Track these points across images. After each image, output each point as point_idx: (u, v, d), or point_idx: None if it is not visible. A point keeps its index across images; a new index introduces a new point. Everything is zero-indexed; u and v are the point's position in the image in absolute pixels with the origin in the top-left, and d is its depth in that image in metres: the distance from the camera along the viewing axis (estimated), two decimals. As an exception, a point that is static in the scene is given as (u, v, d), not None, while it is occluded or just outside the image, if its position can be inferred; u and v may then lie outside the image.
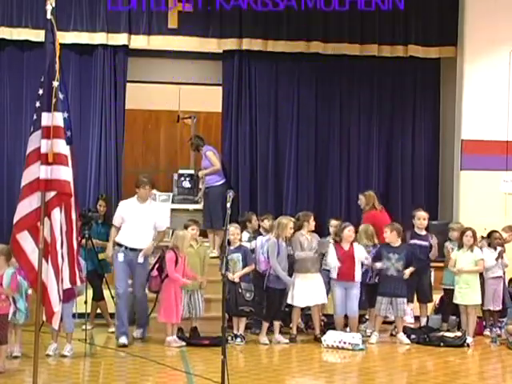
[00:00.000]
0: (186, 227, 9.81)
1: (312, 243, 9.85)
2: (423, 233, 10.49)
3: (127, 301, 9.45)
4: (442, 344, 9.62)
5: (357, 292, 9.78)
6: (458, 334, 9.79)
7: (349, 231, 9.86)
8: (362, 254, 9.86)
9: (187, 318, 9.64)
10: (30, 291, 8.25)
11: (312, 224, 9.95)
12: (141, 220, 9.41)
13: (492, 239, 10.43)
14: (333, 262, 9.80)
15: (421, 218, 10.54)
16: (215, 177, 11.18)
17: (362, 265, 9.88)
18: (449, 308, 10.36)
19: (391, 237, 9.97)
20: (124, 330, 9.27)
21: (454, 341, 9.64)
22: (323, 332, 9.74)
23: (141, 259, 9.35)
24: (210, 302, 9.84)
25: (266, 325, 9.67)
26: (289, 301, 9.82)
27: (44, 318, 6.89)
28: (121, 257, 9.33)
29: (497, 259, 10.31)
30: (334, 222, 10.48)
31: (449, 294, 10.24)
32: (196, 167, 12.68)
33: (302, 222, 9.95)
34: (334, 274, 9.83)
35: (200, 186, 11.78)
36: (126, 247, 9.35)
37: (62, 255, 6.70)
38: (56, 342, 8.69)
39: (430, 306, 10.79)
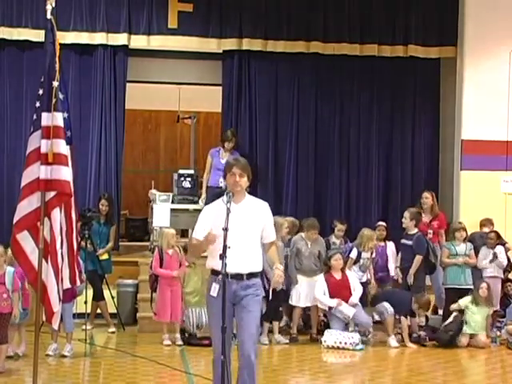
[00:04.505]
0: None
1: (313, 249, 9.82)
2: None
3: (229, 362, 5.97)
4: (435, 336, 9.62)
5: (359, 309, 9.63)
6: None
7: (335, 260, 9.65)
8: (355, 281, 9.73)
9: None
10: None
11: (312, 237, 9.89)
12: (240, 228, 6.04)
13: (487, 239, 10.46)
14: (321, 297, 9.53)
15: (421, 218, 10.56)
16: None
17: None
18: (449, 308, 10.36)
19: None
20: None
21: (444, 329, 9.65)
22: (321, 332, 9.72)
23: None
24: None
25: (266, 325, 9.63)
26: (290, 301, 9.82)
27: (44, 318, 6.90)
28: (215, 290, 5.87)
29: (491, 261, 10.32)
30: (340, 226, 10.53)
31: (449, 293, 10.24)
32: (196, 167, 12.66)
33: (303, 228, 9.94)
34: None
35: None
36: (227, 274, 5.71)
37: (62, 255, 6.71)
38: (56, 342, 8.69)
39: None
